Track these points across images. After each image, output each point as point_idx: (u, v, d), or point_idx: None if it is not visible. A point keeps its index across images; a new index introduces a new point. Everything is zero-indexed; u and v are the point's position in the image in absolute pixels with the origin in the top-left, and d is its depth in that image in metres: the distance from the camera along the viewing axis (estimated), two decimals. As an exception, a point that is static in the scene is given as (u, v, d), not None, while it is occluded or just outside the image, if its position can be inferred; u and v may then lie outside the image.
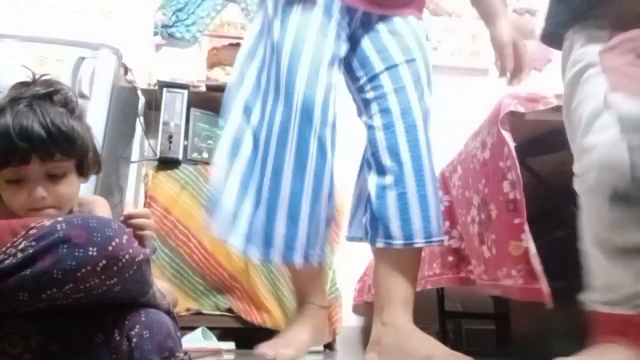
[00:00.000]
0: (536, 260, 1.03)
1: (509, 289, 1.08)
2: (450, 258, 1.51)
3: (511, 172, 1.09)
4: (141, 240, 0.82)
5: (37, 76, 0.95)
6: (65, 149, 0.89)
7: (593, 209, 0.86)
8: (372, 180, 1.23)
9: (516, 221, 1.07)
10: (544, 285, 1.01)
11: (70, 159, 0.91)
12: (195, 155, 2.42)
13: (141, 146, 2.64)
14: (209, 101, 2.51)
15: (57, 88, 0.93)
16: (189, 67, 2.85)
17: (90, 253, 0.70)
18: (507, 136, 1.10)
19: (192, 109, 2.43)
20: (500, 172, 1.12)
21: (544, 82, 3.06)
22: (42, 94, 0.91)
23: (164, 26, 2.85)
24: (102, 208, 1.01)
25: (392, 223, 1.18)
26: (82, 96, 2.07)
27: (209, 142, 2.49)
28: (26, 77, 0.94)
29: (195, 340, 1.83)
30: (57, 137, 0.87)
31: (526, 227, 1.05)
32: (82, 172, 0.95)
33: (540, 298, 1.01)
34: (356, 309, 2.51)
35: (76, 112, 0.94)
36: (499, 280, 1.13)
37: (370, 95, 1.28)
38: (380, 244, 1.21)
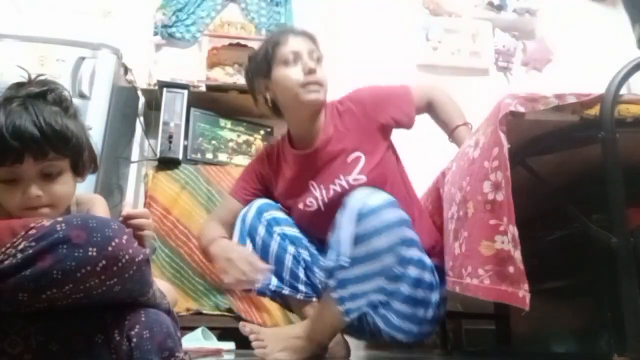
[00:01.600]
0: (519, 263, 1.00)
1: (474, 287, 1.08)
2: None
3: (496, 173, 1.08)
4: (141, 240, 0.82)
5: (32, 76, 0.95)
6: (59, 148, 0.88)
7: None
8: None
9: (492, 222, 1.06)
10: (516, 288, 0.99)
11: (64, 158, 0.91)
12: (195, 155, 2.42)
13: (141, 146, 2.64)
14: (209, 101, 2.51)
15: (51, 87, 0.93)
16: (189, 67, 2.85)
17: (90, 253, 0.70)
18: (503, 137, 1.09)
19: (192, 109, 2.43)
20: (483, 172, 1.11)
21: (544, 82, 3.07)
22: (36, 93, 0.90)
23: (164, 26, 2.85)
24: (100, 207, 1.01)
25: None
26: (82, 96, 2.07)
27: (213, 142, 2.50)
28: (21, 77, 0.94)
29: (195, 340, 1.83)
30: (50, 136, 0.86)
31: (510, 229, 1.03)
32: (78, 171, 0.95)
33: (507, 300, 1.00)
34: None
35: (70, 111, 0.94)
36: (462, 278, 1.13)
37: None
38: None
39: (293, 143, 1.53)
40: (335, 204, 1.33)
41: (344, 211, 1.23)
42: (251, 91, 1.53)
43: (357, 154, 1.44)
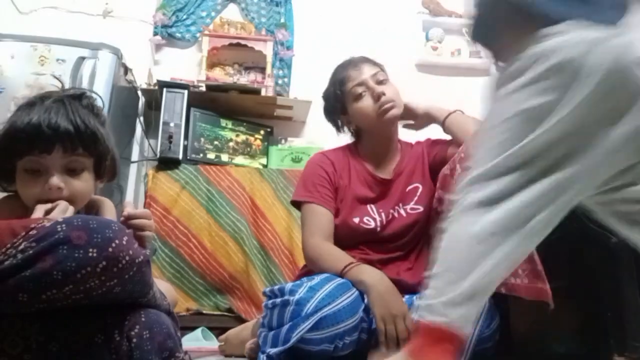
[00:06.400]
0: (538, 260, 1.04)
1: (516, 287, 1.09)
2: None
3: None
4: (141, 241, 0.82)
5: (65, 87, 0.99)
6: (88, 145, 0.92)
7: None
8: None
9: None
10: (546, 285, 1.02)
11: (90, 157, 0.94)
12: (196, 155, 2.42)
13: (141, 146, 2.64)
14: (209, 101, 2.51)
15: (87, 94, 0.98)
16: (189, 67, 2.85)
17: (90, 254, 0.70)
18: None
19: (192, 109, 2.43)
20: None
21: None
22: (72, 94, 0.95)
23: (164, 26, 2.85)
24: (110, 211, 1.02)
25: None
26: (82, 96, 2.07)
27: (216, 142, 2.50)
28: (55, 87, 0.98)
29: (195, 340, 1.83)
30: (82, 132, 0.90)
31: None
32: (100, 173, 0.98)
33: (543, 297, 1.02)
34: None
35: (101, 118, 0.99)
36: (506, 278, 1.14)
37: None
38: None
39: (365, 163, 1.58)
40: (390, 227, 1.47)
41: None
42: (335, 125, 1.64)
43: (415, 184, 1.53)
